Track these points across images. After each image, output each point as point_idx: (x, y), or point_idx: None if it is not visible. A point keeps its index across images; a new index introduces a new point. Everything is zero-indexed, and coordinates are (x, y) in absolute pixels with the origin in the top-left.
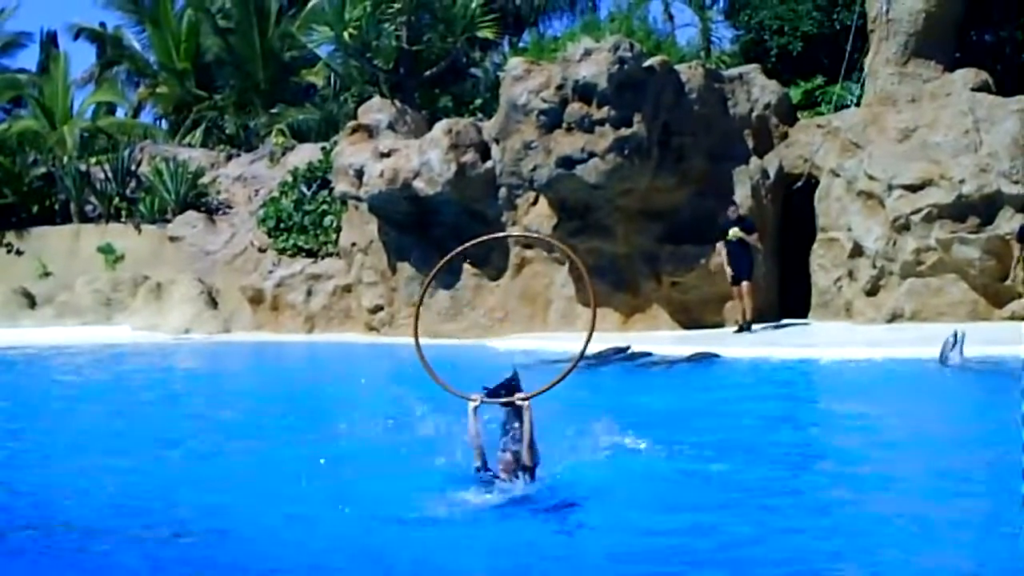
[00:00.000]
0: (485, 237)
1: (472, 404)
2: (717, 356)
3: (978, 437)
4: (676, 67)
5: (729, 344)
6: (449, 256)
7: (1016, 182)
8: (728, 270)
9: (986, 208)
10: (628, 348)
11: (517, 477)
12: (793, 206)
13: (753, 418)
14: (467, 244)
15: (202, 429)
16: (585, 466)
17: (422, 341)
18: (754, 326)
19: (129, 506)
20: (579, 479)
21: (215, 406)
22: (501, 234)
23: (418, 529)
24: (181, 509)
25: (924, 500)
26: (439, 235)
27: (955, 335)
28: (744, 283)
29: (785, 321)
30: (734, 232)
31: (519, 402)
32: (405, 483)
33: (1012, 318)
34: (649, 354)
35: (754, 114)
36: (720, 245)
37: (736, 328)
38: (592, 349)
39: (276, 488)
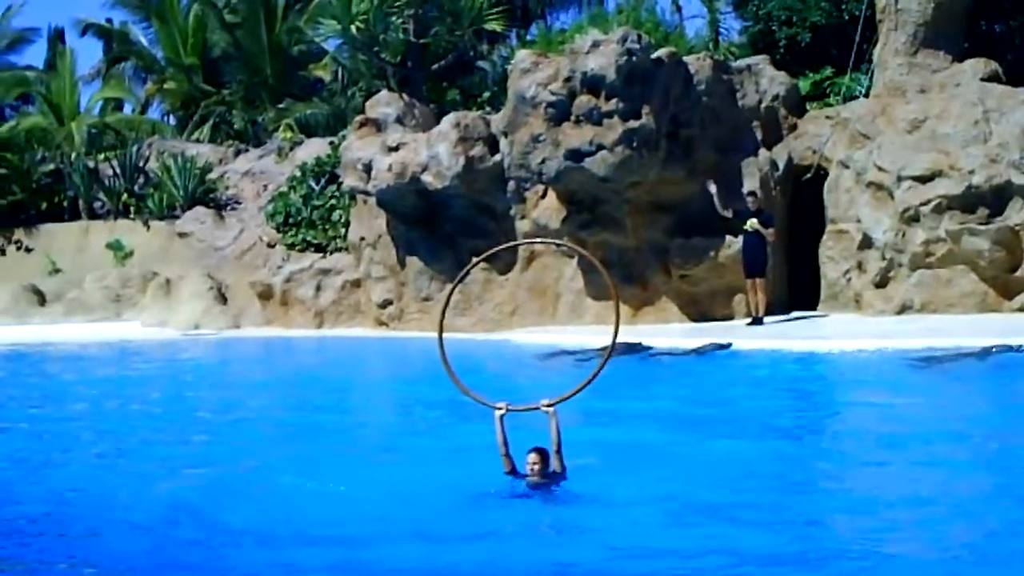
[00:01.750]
0: (506, 245)
1: (498, 413)
2: (727, 346)
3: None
4: (684, 59)
5: (740, 336)
6: (474, 263)
7: None
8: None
9: (996, 199)
10: (638, 344)
11: (546, 480)
12: (802, 198)
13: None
14: (491, 252)
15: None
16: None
17: (434, 336)
18: (765, 319)
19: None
20: (606, 479)
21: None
22: (522, 242)
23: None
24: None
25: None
26: (448, 229)
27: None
28: (758, 279)
29: (795, 313)
30: (751, 223)
31: (545, 409)
32: (432, 483)
33: (1022, 310)
34: (648, 347)
35: (763, 105)
36: (730, 237)
37: (748, 321)
38: (598, 343)
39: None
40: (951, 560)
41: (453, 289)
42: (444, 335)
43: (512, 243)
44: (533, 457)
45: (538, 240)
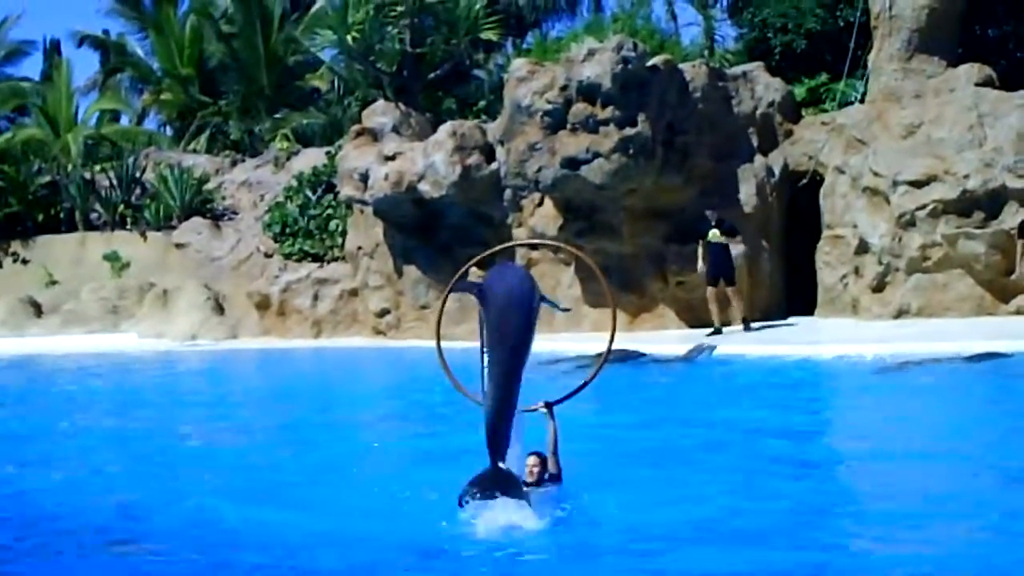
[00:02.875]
0: (505, 245)
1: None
2: (714, 347)
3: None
4: (680, 66)
5: (735, 343)
6: (468, 265)
7: (1021, 176)
8: (701, 267)
9: (991, 203)
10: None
11: (542, 483)
12: (799, 204)
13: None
14: (486, 253)
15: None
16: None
17: (430, 344)
18: (753, 323)
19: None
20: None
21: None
22: (520, 242)
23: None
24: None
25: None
26: (445, 238)
27: None
28: (729, 288)
29: (792, 319)
30: (713, 234)
31: (542, 410)
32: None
33: (1018, 313)
34: (643, 354)
35: (758, 112)
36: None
37: (710, 332)
38: (590, 350)
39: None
40: None
41: (448, 293)
42: (445, 343)
43: (515, 243)
44: (532, 460)
45: (537, 241)
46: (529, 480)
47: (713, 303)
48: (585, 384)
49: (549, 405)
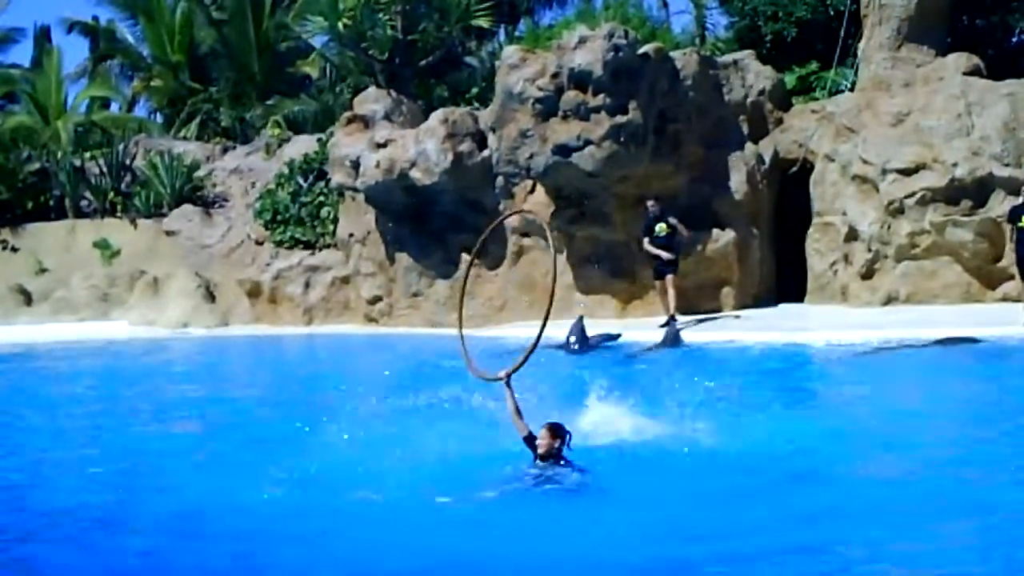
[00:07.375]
0: (508, 213)
1: (503, 382)
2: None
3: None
4: (671, 54)
5: (726, 329)
6: (486, 233)
7: (1007, 165)
8: (658, 258)
9: (978, 191)
10: (619, 335)
11: (560, 460)
12: (789, 191)
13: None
14: (496, 222)
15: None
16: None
17: (426, 331)
18: (742, 314)
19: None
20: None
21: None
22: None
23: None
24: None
25: None
26: (437, 225)
27: None
28: (669, 276)
29: (782, 306)
30: (661, 227)
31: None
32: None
33: (1004, 300)
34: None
35: (749, 100)
36: (717, 231)
37: (664, 322)
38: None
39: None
40: None
41: (465, 280)
42: (438, 330)
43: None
44: (544, 433)
45: (522, 211)
46: (541, 453)
47: (661, 294)
48: (527, 356)
49: (512, 370)
